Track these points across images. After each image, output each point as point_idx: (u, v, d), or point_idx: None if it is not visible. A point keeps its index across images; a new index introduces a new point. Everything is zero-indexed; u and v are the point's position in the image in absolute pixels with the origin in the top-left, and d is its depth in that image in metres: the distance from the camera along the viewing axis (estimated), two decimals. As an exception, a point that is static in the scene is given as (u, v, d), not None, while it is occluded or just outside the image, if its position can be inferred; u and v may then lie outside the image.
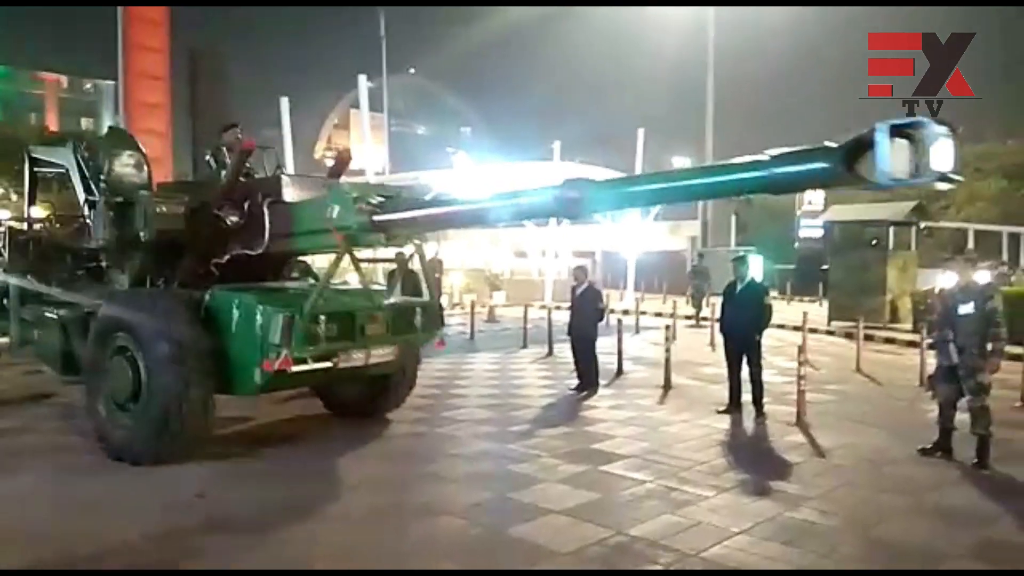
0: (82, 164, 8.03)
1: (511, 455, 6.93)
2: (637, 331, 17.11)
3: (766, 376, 8.99)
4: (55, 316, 7.92)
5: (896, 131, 3.55)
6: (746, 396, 8.72)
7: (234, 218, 7.07)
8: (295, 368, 6.28)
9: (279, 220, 6.88)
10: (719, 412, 8.72)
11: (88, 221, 8.09)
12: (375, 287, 7.63)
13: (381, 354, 7.05)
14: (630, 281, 25.83)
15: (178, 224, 7.32)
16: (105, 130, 8.77)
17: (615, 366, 11.44)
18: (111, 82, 17.50)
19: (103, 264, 8.27)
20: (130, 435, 6.47)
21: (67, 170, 8.30)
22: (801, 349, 8.60)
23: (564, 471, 6.39)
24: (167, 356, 6.26)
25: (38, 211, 10.20)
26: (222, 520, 5.21)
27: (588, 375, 10.16)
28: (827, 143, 4.18)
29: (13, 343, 8.84)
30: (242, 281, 7.07)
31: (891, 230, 18.50)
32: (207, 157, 8.20)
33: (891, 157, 3.51)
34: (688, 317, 19.48)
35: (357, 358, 6.84)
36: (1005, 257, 25.57)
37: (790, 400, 8.60)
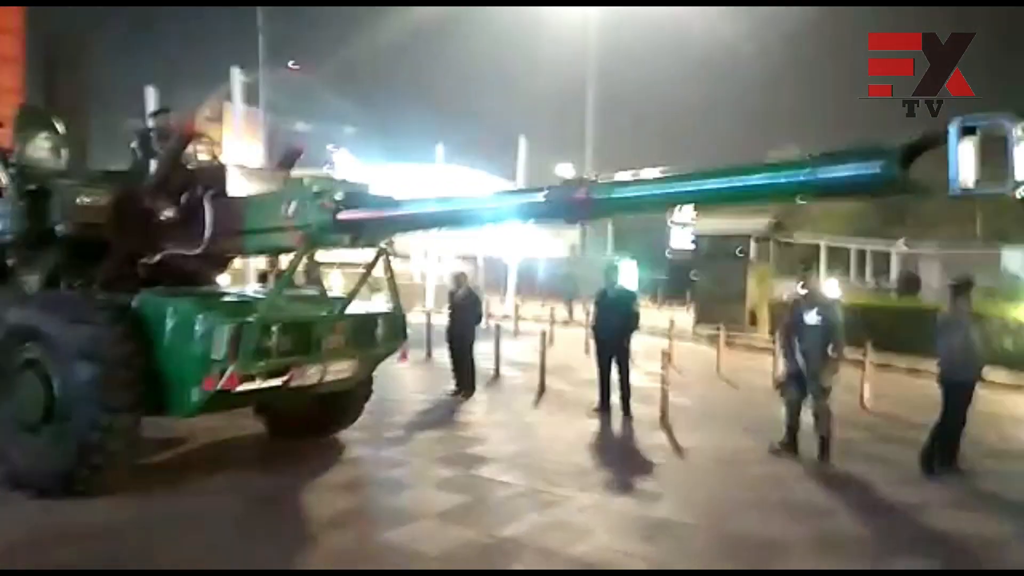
0: None
1: (384, 460, 6.92)
2: (516, 335, 17.39)
3: (634, 379, 9.38)
4: None
5: (967, 129, 3.05)
6: (615, 398, 9.08)
7: (168, 212, 6.34)
8: (241, 387, 5.47)
9: (223, 216, 6.13)
10: (590, 415, 9.04)
11: None
12: (332, 295, 6.92)
13: (338, 369, 6.31)
14: (511, 286, 26.21)
15: (101, 217, 6.43)
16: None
17: (493, 370, 11.61)
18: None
19: (7, 262, 7.15)
20: (37, 462, 5.53)
21: None
22: (666, 354, 9.05)
23: (436, 475, 6.45)
24: (88, 372, 5.33)
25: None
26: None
27: (464, 379, 10.27)
28: (879, 142, 3.52)
29: None
30: (173, 285, 6.31)
31: (752, 243, 19.73)
32: (132, 145, 7.30)
33: (962, 161, 3.03)
34: (565, 322, 20.05)
35: (312, 374, 6.05)
36: (852, 270, 27.69)
37: (656, 402, 9.01)
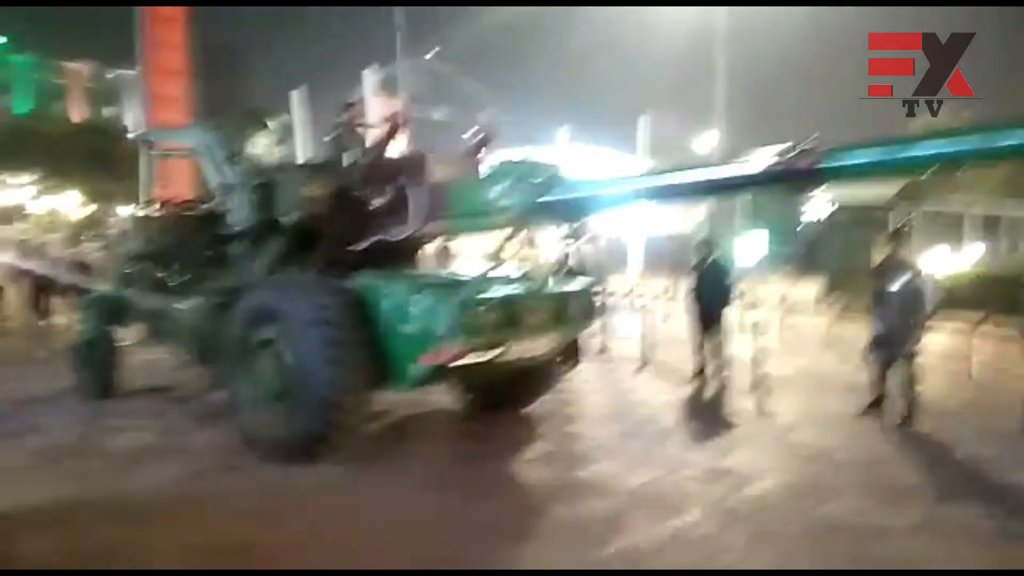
0: (215, 145, 7.60)
1: (485, 418, 7.75)
2: (634, 311, 17.81)
3: (738, 350, 9.64)
4: (188, 305, 7.57)
5: None
6: (711, 368, 9.47)
7: (379, 200, 6.67)
8: (456, 362, 5.81)
9: (428, 202, 6.42)
10: (685, 383, 9.49)
11: (218, 206, 7.64)
12: (531, 273, 7.10)
13: (540, 345, 6.63)
14: (632, 263, 26.49)
15: (320, 207, 6.84)
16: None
17: (600, 344, 12.21)
18: (133, 72, 18.22)
19: (235, 251, 7.67)
20: (282, 433, 6.01)
21: (197, 152, 7.84)
22: (757, 326, 9.32)
23: (529, 428, 7.22)
24: (322, 349, 5.77)
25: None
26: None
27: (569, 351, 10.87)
28: None
29: (142, 333, 8.57)
30: (377, 268, 6.59)
31: (892, 214, 19.05)
32: (326, 139, 7.67)
33: None
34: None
35: (518, 350, 6.35)
36: (1005, 239, 25.92)
37: (756, 370, 9.24)
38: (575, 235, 6.75)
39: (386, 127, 6.80)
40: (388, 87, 28.92)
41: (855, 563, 4.36)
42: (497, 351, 6.13)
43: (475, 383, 7.53)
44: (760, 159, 4.74)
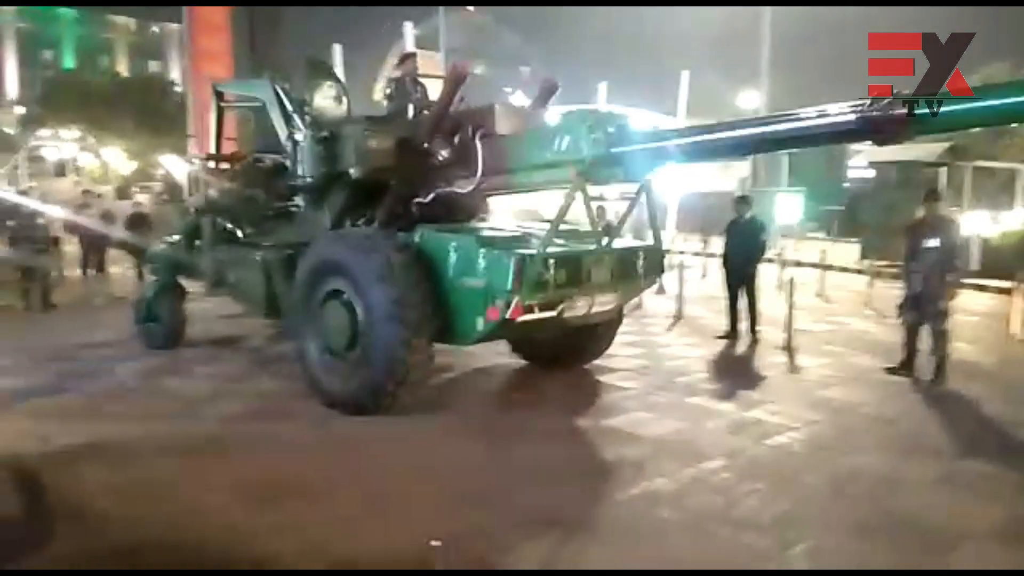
0: (282, 98, 7.53)
1: (517, 369, 8.03)
2: (671, 268, 17.86)
3: (780, 309, 9.66)
4: (256, 257, 7.62)
5: None
6: (744, 324, 9.60)
7: (444, 153, 6.57)
8: (522, 317, 5.76)
9: (494, 154, 6.34)
10: (718, 338, 9.64)
11: (286, 158, 7.64)
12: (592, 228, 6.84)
13: (604, 302, 6.52)
14: (670, 221, 26.33)
15: (387, 160, 6.80)
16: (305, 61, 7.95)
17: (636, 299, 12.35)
18: (176, 24, 18.49)
19: (300, 203, 7.78)
20: (348, 384, 6.17)
21: (263, 104, 7.79)
22: (792, 283, 9.39)
23: (563, 378, 7.49)
24: (390, 302, 5.81)
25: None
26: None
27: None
28: None
29: (207, 285, 8.67)
30: (440, 222, 6.65)
31: (943, 171, 18.67)
32: (386, 90, 7.85)
33: None
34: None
35: (581, 306, 6.30)
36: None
37: (794, 329, 9.27)
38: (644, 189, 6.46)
39: (451, 78, 6.58)
40: (431, 41, 28.93)
41: (868, 513, 4.54)
42: (562, 307, 6.11)
43: (536, 339, 7.52)
44: (846, 109, 4.52)
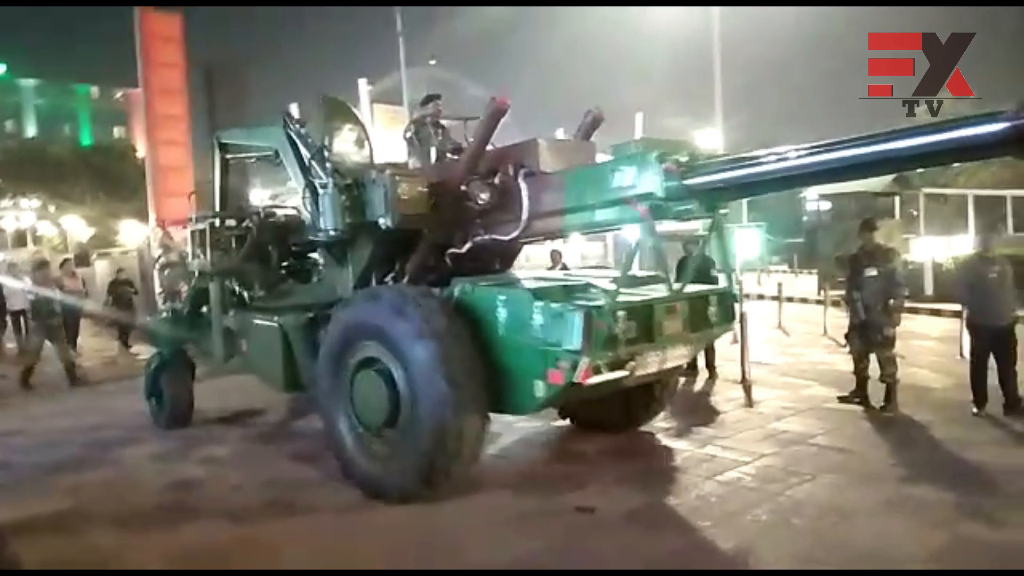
0: (298, 144, 6.81)
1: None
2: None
3: (734, 341, 9.74)
4: (272, 323, 6.79)
5: None
6: (702, 361, 9.65)
7: (484, 196, 5.85)
8: (590, 379, 4.96)
9: (541, 195, 5.66)
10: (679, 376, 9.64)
11: (302, 210, 7.01)
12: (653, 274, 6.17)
13: (676, 356, 5.85)
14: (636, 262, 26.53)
15: (420, 207, 6.04)
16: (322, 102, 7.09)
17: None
18: (140, 90, 18.62)
19: (320, 260, 7.13)
20: (389, 467, 5.40)
21: (275, 153, 7.16)
22: (744, 318, 9.47)
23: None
24: (437, 366, 5.04)
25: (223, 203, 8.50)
26: None
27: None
28: None
29: (217, 357, 7.86)
30: (472, 274, 5.96)
31: (896, 199, 19.13)
32: (407, 135, 7.10)
33: None
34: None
35: (653, 362, 5.55)
36: (1010, 222, 25.86)
37: (751, 363, 9.31)
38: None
39: (490, 112, 5.82)
40: (394, 95, 29.36)
41: (813, 543, 4.54)
42: (634, 364, 5.34)
43: (588, 402, 6.47)
44: (986, 118, 3.68)
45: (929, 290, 16.69)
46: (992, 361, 7.32)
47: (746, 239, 24.20)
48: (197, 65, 22.91)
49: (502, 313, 5.25)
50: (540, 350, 4.98)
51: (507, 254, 6.73)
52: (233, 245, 7.72)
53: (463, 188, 5.95)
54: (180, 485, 6.21)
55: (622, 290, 5.21)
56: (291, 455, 6.87)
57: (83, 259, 21.79)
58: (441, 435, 5.05)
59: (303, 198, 6.76)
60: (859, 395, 7.82)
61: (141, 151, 42.84)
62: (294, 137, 6.85)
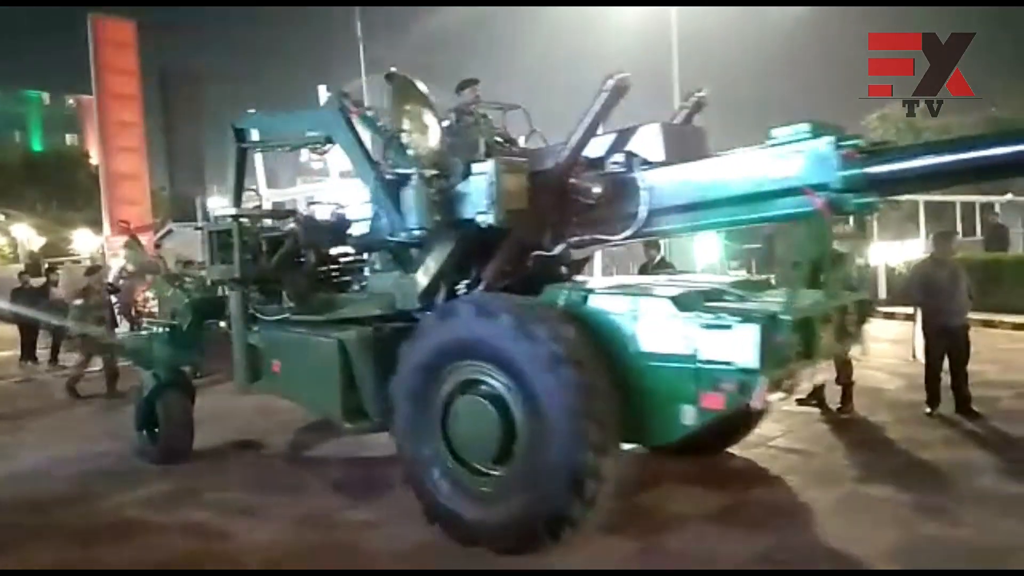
0: (362, 129, 5.87)
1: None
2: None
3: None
4: (328, 339, 5.57)
5: None
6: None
7: (597, 189, 5.12)
8: (763, 403, 4.24)
9: (669, 187, 4.94)
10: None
11: (349, 206, 6.31)
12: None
13: (822, 371, 5.13)
14: (596, 265, 26.69)
15: (520, 202, 5.22)
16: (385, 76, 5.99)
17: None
18: (92, 96, 18.12)
19: (377, 264, 6.13)
20: (500, 511, 4.47)
21: (327, 140, 6.17)
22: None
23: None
24: (572, 392, 4.17)
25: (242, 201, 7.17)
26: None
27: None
28: None
29: (239, 380, 6.53)
30: (545, 281, 5.18)
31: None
32: (445, 123, 5.95)
33: None
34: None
35: (804, 380, 4.75)
36: (959, 227, 26.59)
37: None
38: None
39: (608, 91, 4.97)
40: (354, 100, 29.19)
41: (768, 545, 4.58)
42: (791, 383, 4.57)
43: None
44: None
45: (883, 294, 17.03)
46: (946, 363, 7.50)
47: (705, 244, 24.45)
48: (153, 71, 22.60)
49: (633, 326, 4.47)
50: (690, 369, 4.21)
51: (578, 260, 5.97)
52: (263, 248, 6.45)
53: (571, 181, 5.20)
54: (200, 534, 5.24)
55: (768, 297, 4.71)
56: (327, 488, 6.05)
57: (34, 269, 21.22)
58: (576, 473, 4.19)
59: (374, 192, 5.69)
60: (816, 397, 7.93)
61: (95, 158, 42.11)
62: (356, 122, 5.85)
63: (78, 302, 10.97)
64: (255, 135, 7.14)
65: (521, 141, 6.19)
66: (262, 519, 5.44)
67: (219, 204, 12.32)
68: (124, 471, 6.80)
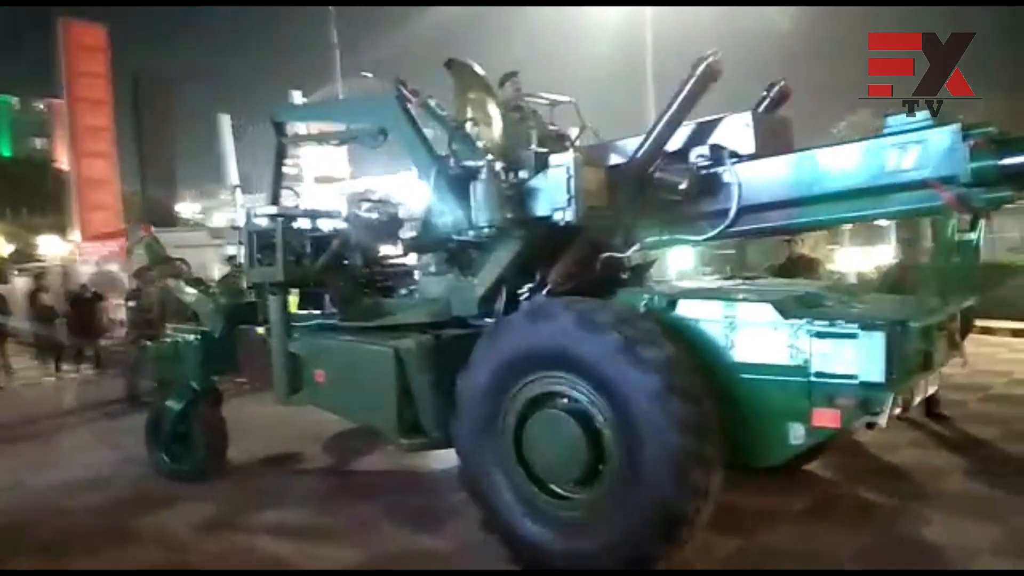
0: (423, 120, 5.56)
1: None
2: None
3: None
4: (382, 348, 5.17)
5: None
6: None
7: (683, 185, 4.64)
8: (885, 419, 3.74)
9: (764, 181, 4.51)
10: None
11: (394, 204, 6.04)
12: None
13: (933, 383, 4.61)
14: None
15: (600, 198, 4.83)
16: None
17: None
18: (62, 100, 17.88)
19: (432, 266, 5.64)
20: (583, 538, 4.10)
21: (382, 132, 5.77)
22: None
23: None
24: (673, 407, 3.78)
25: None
26: None
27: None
28: None
29: (279, 391, 6.07)
30: (605, 286, 4.77)
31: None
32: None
33: None
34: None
35: (919, 393, 4.28)
36: (929, 233, 27.03)
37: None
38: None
39: (698, 76, 4.57)
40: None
41: (738, 546, 4.63)
42: (907, 398, 4.10)
43: None
44: None
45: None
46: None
47: (678, 249, 24.59)
48: (125, 75, 22.34)
49: (730, 335, 4.05)
50: (800, 383, 3.82)
51: (641, 264, 5.54)
52: (308, 249, 6.08)
53: (656, 175, 4.74)
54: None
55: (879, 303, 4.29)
56: (384, 510, 5.66)
57: (0, 276, 20.82)
58: (679, 495, 3.80)
59: (437, 187, 5.23)
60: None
61: (64, 163, 41.55)
62: (416, 112, 5.52)
63: (131, 303, 10.75)
64: (299, 128, 6.59)
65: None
66: (323, 543, 5.17)
67: (217, 205, 12.22)
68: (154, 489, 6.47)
